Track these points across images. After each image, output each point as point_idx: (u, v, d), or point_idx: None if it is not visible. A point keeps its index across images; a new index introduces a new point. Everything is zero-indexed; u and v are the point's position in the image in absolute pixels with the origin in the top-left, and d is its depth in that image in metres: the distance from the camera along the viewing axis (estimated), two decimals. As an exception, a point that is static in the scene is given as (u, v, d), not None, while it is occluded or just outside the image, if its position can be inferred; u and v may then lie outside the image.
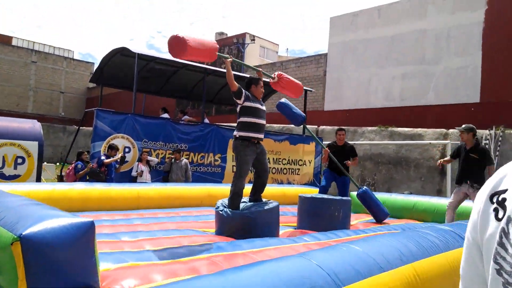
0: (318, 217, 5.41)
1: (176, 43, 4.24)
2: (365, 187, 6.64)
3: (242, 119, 4.70)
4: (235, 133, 4.76)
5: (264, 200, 4.97)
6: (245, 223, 4.49)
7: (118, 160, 8.23)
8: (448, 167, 11.95)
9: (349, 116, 17.90)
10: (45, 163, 12.88)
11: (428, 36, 16.19)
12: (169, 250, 3.39)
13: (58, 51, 42.03)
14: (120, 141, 8.63)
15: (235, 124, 4.98)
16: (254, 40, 28.84)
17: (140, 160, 8.71)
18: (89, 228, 2.29)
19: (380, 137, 14.78)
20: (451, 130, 13.35)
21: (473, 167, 5.95)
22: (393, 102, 16.89)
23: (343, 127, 7.46)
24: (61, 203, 5.03)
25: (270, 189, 5.55)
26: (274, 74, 5.45)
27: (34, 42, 40.93)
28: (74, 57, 42.18)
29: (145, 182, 8.20)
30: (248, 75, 5.77)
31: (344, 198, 5.71)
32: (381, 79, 17.35)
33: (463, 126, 6.13)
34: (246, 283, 1.60)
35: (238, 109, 4.79)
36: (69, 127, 29.59)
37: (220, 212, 4.59)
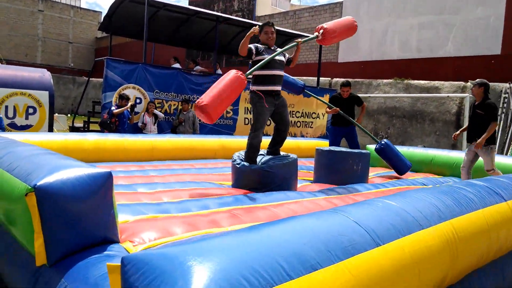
0: (336, 171, 5.29)
1: (203, 112, 3.81)
2: (385, 140, 6.42)
3: (255, 72, 4.52)
4: (250, 86, 4.61)
5: (282, 153, 4.84)
6: (263, 176, 4.37)
7: (129, 109, 8.05)
8: (466, 121, 11.68)
9: (364, 68, 17.44)
10: (56, 114, 12.80)
11: (449, -17, 15.41)
12: (188, 203, 3.29)
13: (64, -1, 41.10)
14: (131, 91, 8.42)
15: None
16: (266, -13, 27.80)
17: (147, 110, 8.43)
18: (107, 179, 2.18)
19: (396, 89, 14.41)
20: (469, 83, 12.95)
21: (480, 124, 5.59)
22: (410, 54, 16.35)
23: (349, 83, 6.93)
24: (74, 153, 4.94)
25: (284, 142, 5.42)
26: (317, 31, 4.73)
27: (40, -10, 39.98)
28: (81, 6, 41.28)
29: (149, 134, 7.97)
30: (260, 23, 5.41)
31: (363, 151, 5.55)
32: (397, 29, 16.73)
33: (477, 80, 5.81)
34: (282, 239, 1.48)
35: (250, 62, 4.65)
36: (78, 78, 29.37)
37: (237, 166, 4.47)
